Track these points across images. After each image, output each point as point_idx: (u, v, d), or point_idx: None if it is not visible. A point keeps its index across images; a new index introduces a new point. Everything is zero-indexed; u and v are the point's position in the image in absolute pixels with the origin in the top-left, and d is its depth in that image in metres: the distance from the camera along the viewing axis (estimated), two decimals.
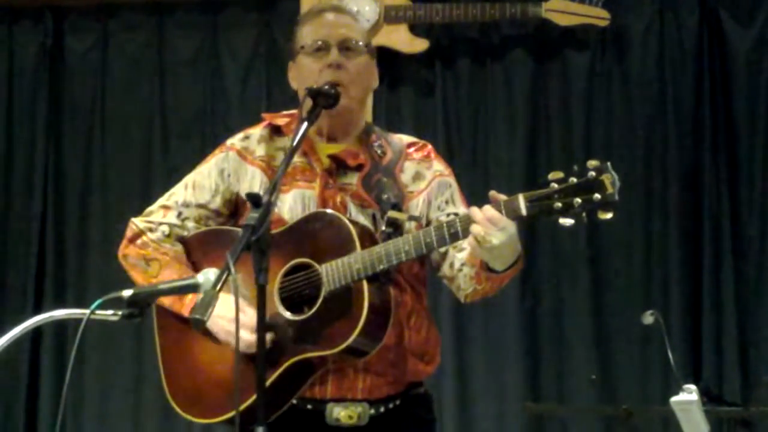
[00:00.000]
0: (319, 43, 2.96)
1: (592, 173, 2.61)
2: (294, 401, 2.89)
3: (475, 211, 2.71)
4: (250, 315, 2.71)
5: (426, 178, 3.01)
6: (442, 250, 2.93)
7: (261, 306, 2.51)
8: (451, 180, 3.04)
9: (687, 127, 5.61)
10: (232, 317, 2.54)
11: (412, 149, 3.06)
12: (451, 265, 2.93)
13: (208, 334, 2.86)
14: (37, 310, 5.58)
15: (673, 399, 4.08)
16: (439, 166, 3.05)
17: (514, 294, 5.51)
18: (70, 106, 5.98)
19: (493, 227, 2.67)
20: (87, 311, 2.63)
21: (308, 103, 2.87)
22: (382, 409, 2.91)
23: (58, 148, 5.94)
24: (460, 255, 2.91)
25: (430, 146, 3.09)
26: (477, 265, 2.82)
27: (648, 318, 4.33)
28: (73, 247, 5.89)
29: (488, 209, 2.69)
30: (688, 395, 4.05)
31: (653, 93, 5.66)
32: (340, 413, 2.88)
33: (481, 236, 2.67)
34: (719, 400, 4.39)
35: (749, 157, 5.57)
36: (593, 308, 5.57)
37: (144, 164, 5.90)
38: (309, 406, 2.90)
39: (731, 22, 5.63)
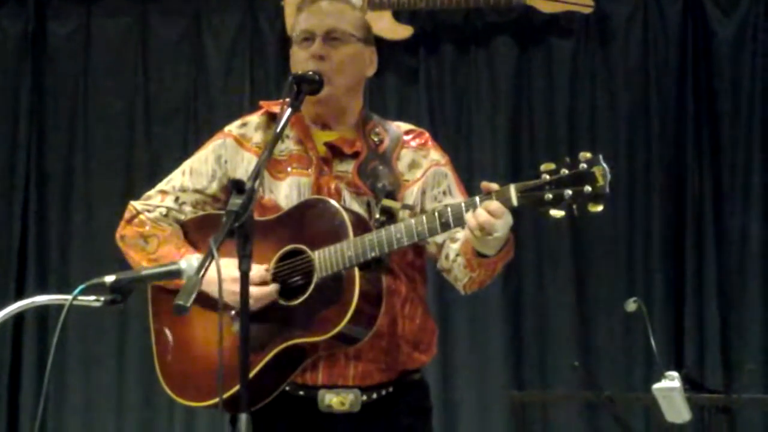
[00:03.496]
0: (306, 33, 2.98)
1: (584, 165, 2.61)
2: (287, 388, 2.89)
3: (478, 213, 2.69)
4: (253, 270, 2.67)
5: (422, 167, 3.01)
6: (439, 240, 2.93)
7: (244, 292, 2.51)
8: (448, 170, 3.03)
9: (670, 114, 5.63)
10: (233, 277, 2.57)
11: (409, 137, 3.05)
12: (447, 257, 2.94)
13: (206, 306, 2.84)
14: (19, 295, 5.56)
15: (656, 386, 4.10)
16: (435, 155, 3.04)
17: (496, 282, 5.49)
18: (53, 91, 5.95)
19: (498, 220, 2.67)
20: (69, 297, 2.62)
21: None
22: (374, 396, 2.91)
23: (40, 133, 5.92)
24: (454, 246, 2.91)
25: (427, 134, 3.08)
26: (468, 252, 2.82)
27: (631, 305, 4.35)
28: (55, 233, 5.88)
29: (489, 204, 2.67)
30: (670, 382, 4.07)
31: (637, 80, 5.67)
32: (331, 400, 2.88)
33: (490, 227, 2.67)
34: (701, 388, 4.41)
35: (732, 146, 5.59)
36: (576, 296, 5.58)
37: (127, 150, 5.89)
38: (301, 393, 2.90)
39: (714, 10, 5.64)
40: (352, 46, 2.99)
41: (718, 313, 5.48)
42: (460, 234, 2.86)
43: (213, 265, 2.47)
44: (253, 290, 2.74)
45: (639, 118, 5.65)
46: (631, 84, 5.67)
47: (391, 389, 2.93)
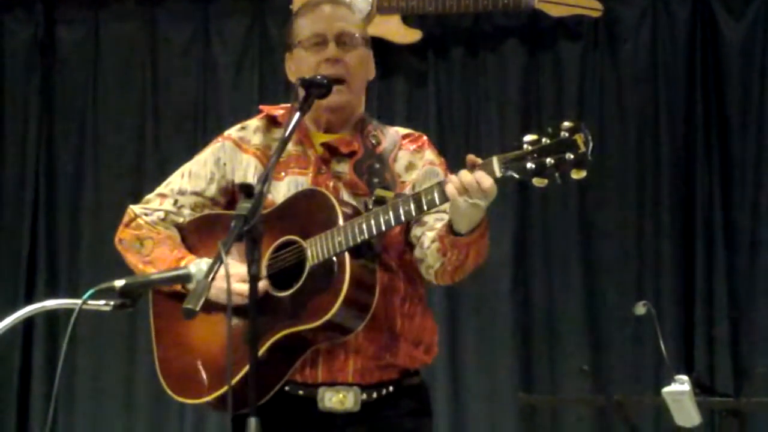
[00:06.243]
0: (317, 37, 2.98)
1: (565, 133, 2.63)
2: (286, 388, 2.90)
3: (462, 173, 2.69)
4: (241, 268, 2.71)
5: (417, 167, 3.02)
6: (418, 233, 2.92)
7: (253, 296, 2.52)
8: (440, 170, 3.04)
9: (679, 117, 5.62)
10: (229, 273, 2.57)
11: (406, 140, 3.07)
12: (422, 245, 2.93)
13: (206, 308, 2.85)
14: (29, 300, 5.57)
15: (665, 389, 4.09)
16: (430, 155, 3.06)
17: (505, 285, 5.52)
18: (62, 96, 5.97)
19: (481, 193, 2.67)
20: (79, 301, 2.63)
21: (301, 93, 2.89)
22: (374, 395, 2.91)
23: (49, 138, 5.93)
24: (430, 234, 2.91)
25: (425, 137, 3.10)
26: (443, 232, 2.81)
27: (640, 309, 4.35)
28: (65, 237, 5.89)
29: (476, 172, 2.67)
30: (680, 386, 4.06)
31: (646, 83, 5.66)
32: (331, 399, 2.89)
33: (473, 189, 2.66)
34: (711, 391, 4.40)
35: (741, 149, 5.58)
36: (585, 299, 5.58)
37: (136, 154, 5.89)
38: (301, 392, 2.90)
39: (723, 14, 5.63)
40: (361, 48, 3.02)
41: (727, 316, 5.47)
42: (439, 224, 2.86)
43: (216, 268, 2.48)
44: (238, 287, 2.76)
45: (648, 121, 5.64)
46: (640, 87, 5.67)
47: (391, 389, 2.94)
